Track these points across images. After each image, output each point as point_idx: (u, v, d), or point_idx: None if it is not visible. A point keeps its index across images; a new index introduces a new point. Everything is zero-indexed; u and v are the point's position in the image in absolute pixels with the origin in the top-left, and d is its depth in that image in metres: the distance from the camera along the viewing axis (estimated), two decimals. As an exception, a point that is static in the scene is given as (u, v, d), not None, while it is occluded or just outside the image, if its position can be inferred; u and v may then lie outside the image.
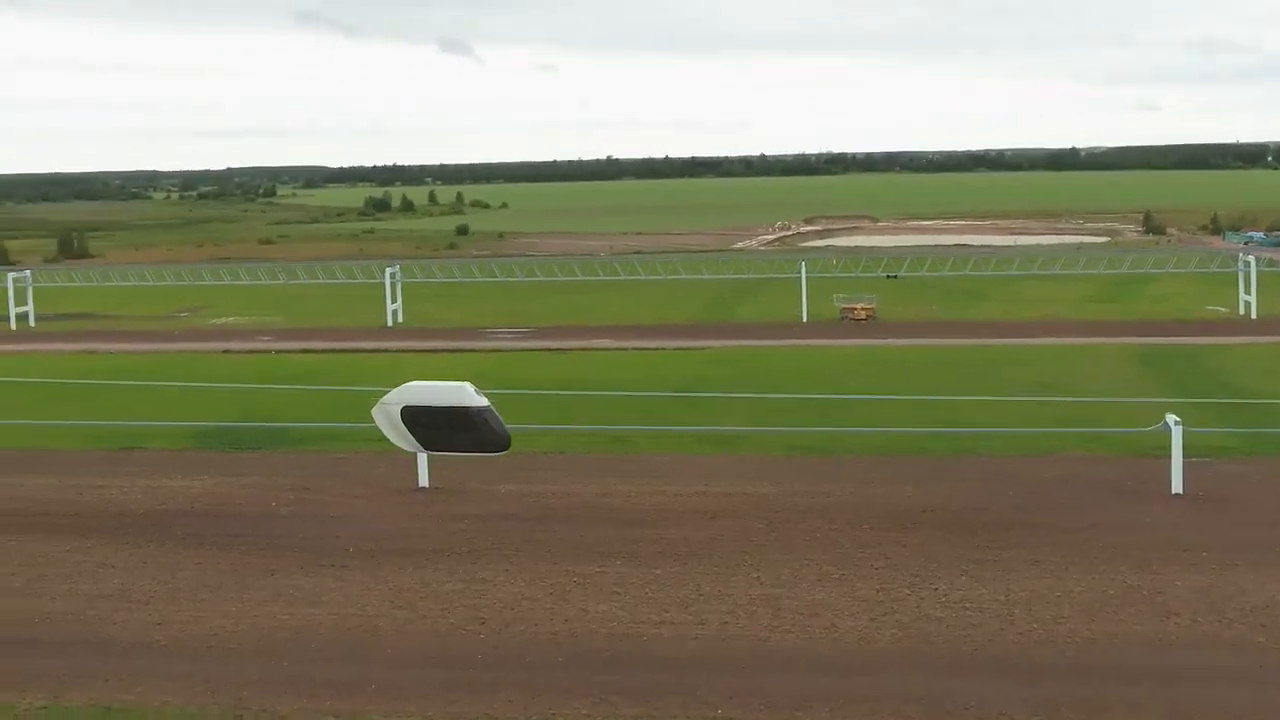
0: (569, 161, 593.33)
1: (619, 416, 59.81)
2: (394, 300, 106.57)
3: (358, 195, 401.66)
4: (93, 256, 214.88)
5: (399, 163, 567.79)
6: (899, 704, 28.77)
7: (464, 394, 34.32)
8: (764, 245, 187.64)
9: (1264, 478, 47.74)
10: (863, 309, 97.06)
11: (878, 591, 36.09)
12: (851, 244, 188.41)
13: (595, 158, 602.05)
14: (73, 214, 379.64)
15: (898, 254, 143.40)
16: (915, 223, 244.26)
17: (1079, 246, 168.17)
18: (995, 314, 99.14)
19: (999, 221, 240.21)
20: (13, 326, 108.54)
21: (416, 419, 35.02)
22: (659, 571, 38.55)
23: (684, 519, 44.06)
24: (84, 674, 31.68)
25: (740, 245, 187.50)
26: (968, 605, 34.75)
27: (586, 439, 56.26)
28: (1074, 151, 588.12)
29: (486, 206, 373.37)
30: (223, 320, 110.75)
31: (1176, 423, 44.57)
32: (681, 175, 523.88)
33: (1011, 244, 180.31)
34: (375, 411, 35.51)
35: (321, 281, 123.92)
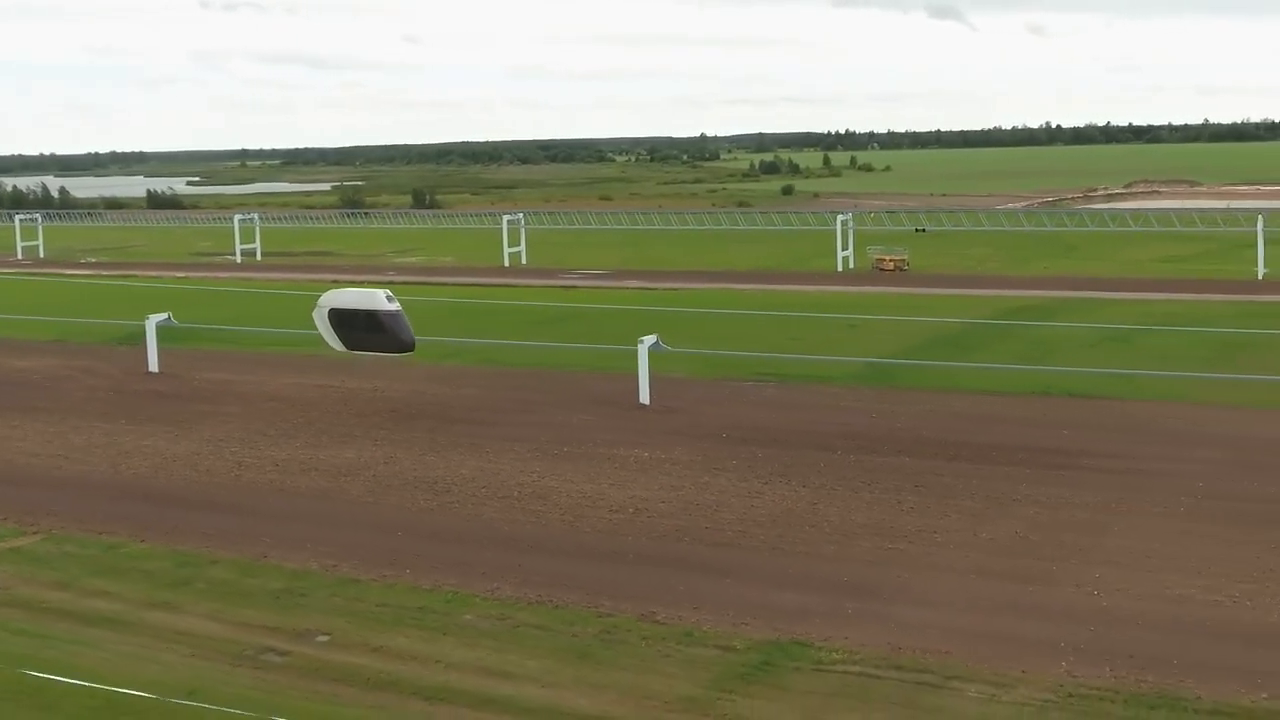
0: (1009, 129, 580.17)
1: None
2: (514, 245, 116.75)
3: (799, 159, 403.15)
4: (437, 207, 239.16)
5: (852, 129, 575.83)
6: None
7: (376, 299, 44.07)
8: (1024, 207, 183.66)
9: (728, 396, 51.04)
10: (892, 260, 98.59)
11: (228, 449, 44.47)
12: (1131, 207, 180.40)
13: (1036, 125, 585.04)
14: (503, 174, 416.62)
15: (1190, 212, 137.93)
16: (1231, 188, 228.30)
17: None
18: (1041, 270, 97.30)
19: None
20: (237, 259, 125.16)
21: (340, 320, 45.08)
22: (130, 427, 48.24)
23: (253, 400, 52.81)
24: None
25: (1004, 207, 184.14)
26: (272, 466, 42.71)
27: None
28: None
29: (870, 169, 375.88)
30: (406, 259, 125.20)
31: (642, 341, 48.72)
32: (1109, 142, 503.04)
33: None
34: (314, 313, 46.96)
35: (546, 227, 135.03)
